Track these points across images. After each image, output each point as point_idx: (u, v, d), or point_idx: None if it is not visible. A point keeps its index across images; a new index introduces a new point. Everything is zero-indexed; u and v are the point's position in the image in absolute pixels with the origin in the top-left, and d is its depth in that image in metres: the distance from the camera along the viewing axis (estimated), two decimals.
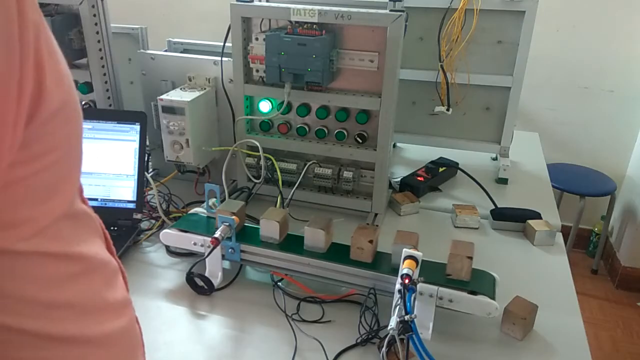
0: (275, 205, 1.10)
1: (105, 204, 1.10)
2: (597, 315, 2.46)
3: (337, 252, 0.92)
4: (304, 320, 0.88)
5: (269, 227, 0.94)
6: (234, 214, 0.94)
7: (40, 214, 0.34)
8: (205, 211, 1.02)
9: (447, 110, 1.37)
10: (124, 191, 1.10)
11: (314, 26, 1.03)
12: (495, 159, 1.53)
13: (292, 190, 1.16)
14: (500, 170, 1.39)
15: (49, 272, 0.36)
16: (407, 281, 0.76)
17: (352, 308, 0.90)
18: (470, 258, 0.83)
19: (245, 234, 0.97)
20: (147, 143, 1.19)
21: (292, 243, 0.95)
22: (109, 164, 1.10)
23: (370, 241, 0.89)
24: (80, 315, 0.39)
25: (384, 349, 0.78)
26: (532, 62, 1.39)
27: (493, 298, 0.81)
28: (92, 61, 1.20)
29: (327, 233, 0.92)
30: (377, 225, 1.00)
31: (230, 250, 0.95)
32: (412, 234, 0.88)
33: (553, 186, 1.51)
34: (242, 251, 0.95)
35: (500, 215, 1.19)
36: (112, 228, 1.07)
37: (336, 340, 0.83)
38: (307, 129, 1.17)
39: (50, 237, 0.35)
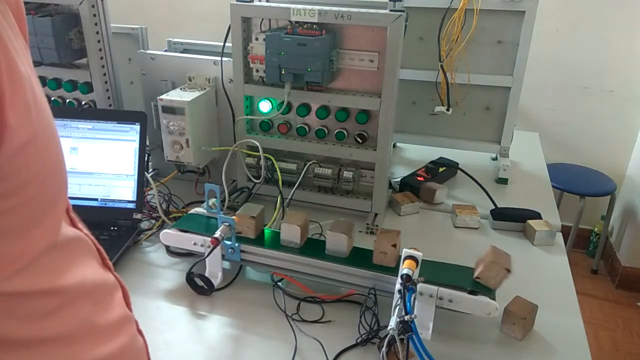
0: (276, 206, 1.10)
1: (105, 204, 1.10)
2: (597, 315, 2.46)
3: (358, 256, 0.92)
4: (304, 320, 0.88)
5: (290, 232, 0.93)
6: (253, 217, 0.94)
7: (17, 252, 0.31)
8: (205, 211, 1.02)
9: (447, 110, 1.37)
10: (124, 191, 1.10)
11: (314, 26, 1.03)
12: (495, 159, 1.53)
13: (292, 190, 1.16)
14: (500, 170, 1.39)
15: (31, 309, 0.33)
16: (407, 281, 0.76)
17: (352, 308, 0.90)
18: (509, 271, 0.81)
19: (264, 237, 0.97)
20: (147, 143, 1.19)
21: (313, 247, 0.94)
22: (109, 164, 1.10)
23: (394, 245, 0.88)
24: (69, 346, 0.36)
25: (384, 349, 0.78)
26: (532, 62, 1.39)
27: (493, 298, 0.81)
28: (92, 61, 1.20)
29: (350, 237, 0.92)
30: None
31: (230, 250, 0.95)
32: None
33: (553, 186, 1.51)
34: (242, 251, 0.95)
35: (500, 215, 1.19)
36: (112, 228, 1.07)
37: (336, 340, 0.83)
38: (307, 129, 1.17)
39: (31, 274, 0.33)
